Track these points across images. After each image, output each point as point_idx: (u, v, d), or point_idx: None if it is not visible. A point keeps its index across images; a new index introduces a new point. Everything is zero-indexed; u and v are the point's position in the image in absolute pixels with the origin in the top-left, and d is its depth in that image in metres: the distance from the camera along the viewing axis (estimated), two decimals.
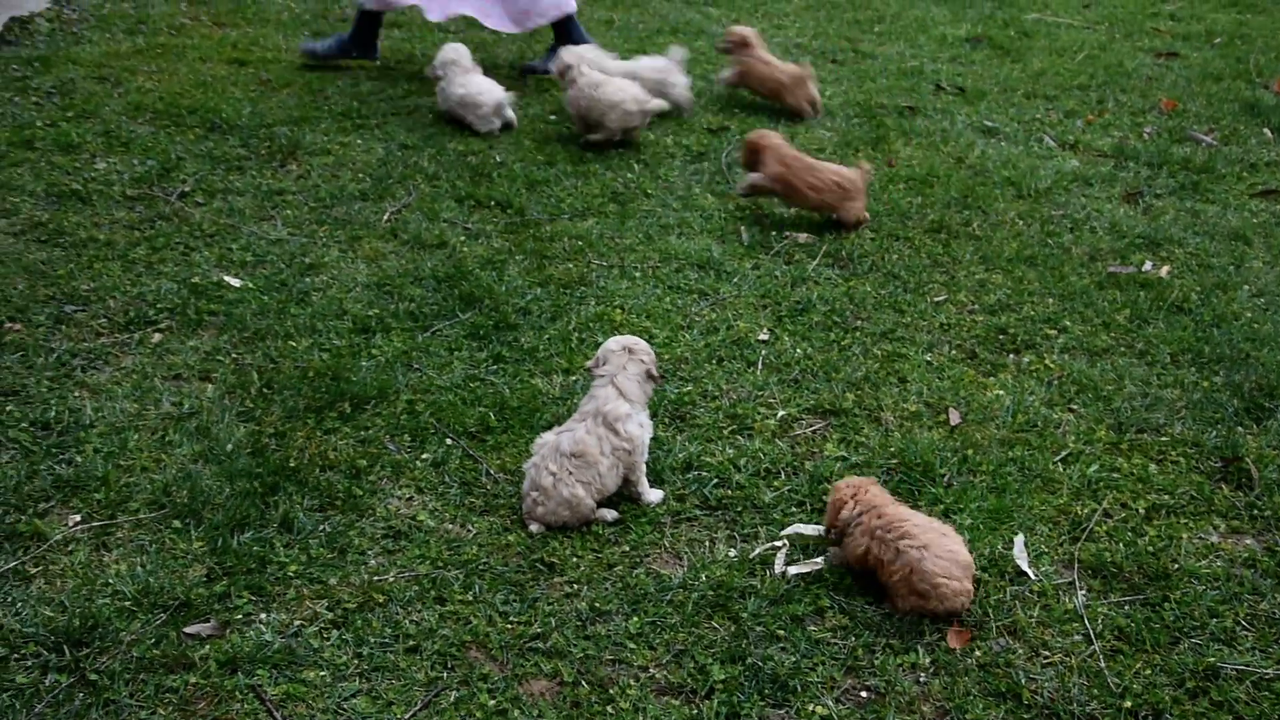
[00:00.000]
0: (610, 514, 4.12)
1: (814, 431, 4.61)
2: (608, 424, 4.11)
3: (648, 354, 4.26)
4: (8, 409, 4.58)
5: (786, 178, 6.12)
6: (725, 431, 4.57)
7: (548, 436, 4.14)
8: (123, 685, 3.40)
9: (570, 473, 4.01)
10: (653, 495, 4.24)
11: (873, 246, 6.06)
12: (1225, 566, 3.94)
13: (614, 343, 4.28)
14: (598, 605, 3.71)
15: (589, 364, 4.30)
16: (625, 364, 4.20)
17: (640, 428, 4.17)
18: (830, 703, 3.39)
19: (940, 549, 3.64)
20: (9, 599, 3.69)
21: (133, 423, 4.54)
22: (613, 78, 7.14)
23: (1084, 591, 3.83)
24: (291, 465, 4.30)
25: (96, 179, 6.56)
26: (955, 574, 3.61)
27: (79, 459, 4.32)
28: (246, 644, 3.53)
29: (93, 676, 3.43)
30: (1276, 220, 6.47)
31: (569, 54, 7.23)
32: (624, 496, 4.19)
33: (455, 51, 7.51)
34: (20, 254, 5.75)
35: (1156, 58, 9.11)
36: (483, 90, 7.35)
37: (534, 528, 4.05)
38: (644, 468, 4.21)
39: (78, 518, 4.05)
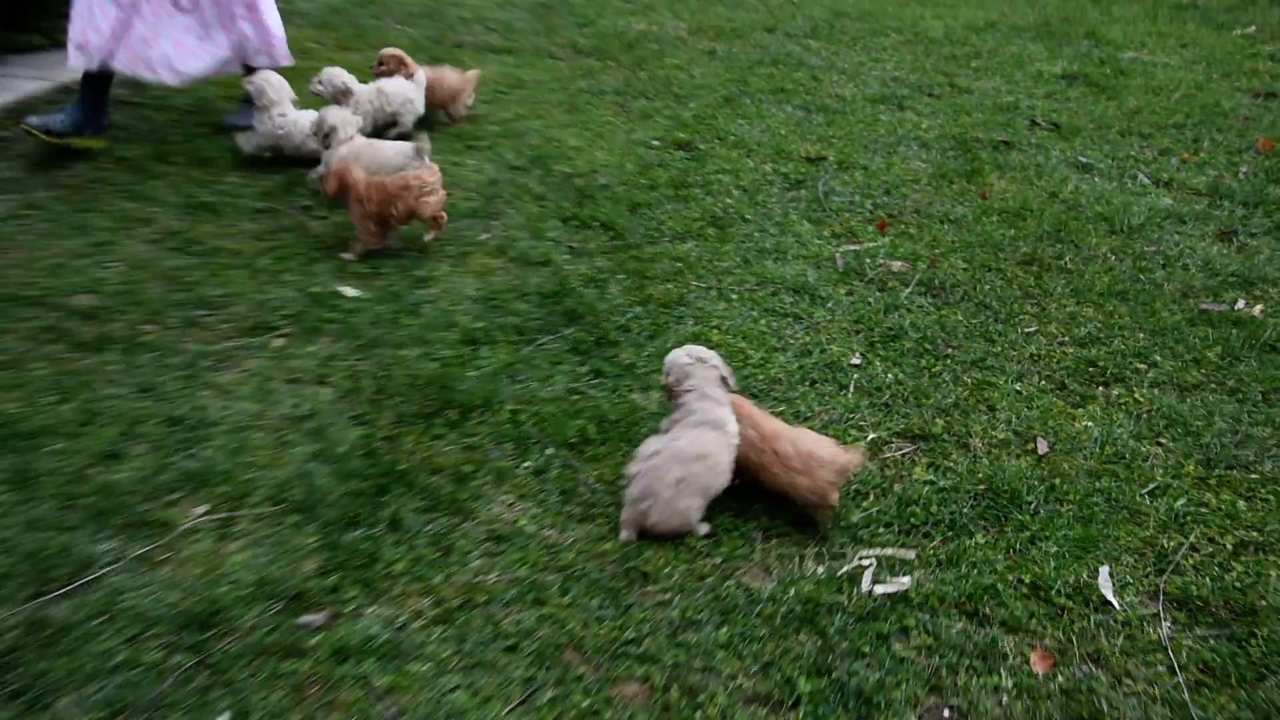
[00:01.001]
0: (705, 527, 4.14)
1: (903, 455, 4.59)
2: (717, 427, 4.14)
3: (718, 361, 4.30)
4: (142, 405, 4.72)
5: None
6: None
7: (654, 444, 4.15)
8: (242, 668, 3.48)
9: (687, 482, 4.03)
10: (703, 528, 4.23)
11: (965, 276, 6.02)
12: None
13: (683, 355, 4.30)
14: (689, 614, 3.73)
15: (666, 380, 4.32)
16: (706, 374, 4.24)
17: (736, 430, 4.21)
18: (914, 719, 3.39)
19: (809, 438, 4.09)
20: (140, 582, 3.80)
21: (255, 422, 4.65)
22: (370, 144, 6.70)
23: (1169, 623, 3.77)
24: (400, 468, 4.37)
25: (227, 192, 6.72)
26: (827, 447, 4.08)
27: (205, 454, 4.43)
28: (355, 635, 3.60)
29: (214, 659, 3.51)
30: None
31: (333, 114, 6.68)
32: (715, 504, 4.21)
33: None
34: (157, 261, 5.91)
35: (1254, 98, 8.91)
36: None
37: (626, 535, 4.07)
38: None
39: (203, 509, 4.16)
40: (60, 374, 4.92)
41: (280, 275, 5.82)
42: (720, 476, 4.11)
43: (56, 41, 9.07)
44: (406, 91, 7.60)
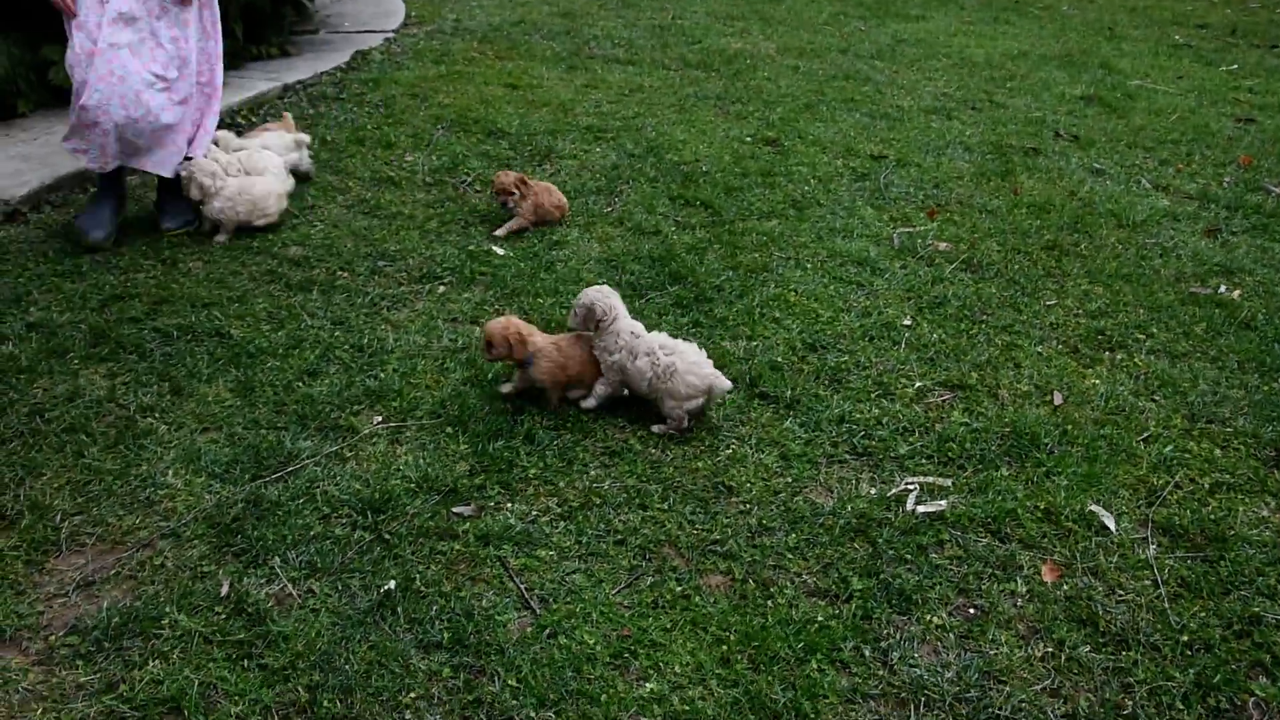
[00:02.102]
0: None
1: (943, 401, 4.45)
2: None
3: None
4: (336, 334, 4.74)
5: None
6: (873, 395, 4.44)
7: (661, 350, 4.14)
8: (407, 545, 3.50)
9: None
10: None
11: (998, 257, 5.81)
12: (1273, 536, 3.69)
13: (596, 291, 4.26)
14: (764, 522, 3.66)
15: (574, 319, 4.28)
16: (619, 304, 4.28)
17: None
18: (944, 615, 3.30)
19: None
20: (332, 473, 3.83)
21: (421, 351, 4.64)
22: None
23: (1155, 546, 3.63)
24: (535, 393, 4.33)
25: (405, 169, 6.72)
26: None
27: (382, 375, 4.43)
28: (496, 525, 3.59)
29: (386, 536, 3.53)
30: None
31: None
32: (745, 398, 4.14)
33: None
34: (350, 222, 5.93)
35: (1236, 122, 8.53)
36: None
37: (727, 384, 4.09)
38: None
39: (379, 418, 4.17)
40: (275, 308, 4.97)
41: (444, 235, 5.81)
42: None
43: (285, 52, 9.18)
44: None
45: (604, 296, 4.24)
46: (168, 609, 3.19)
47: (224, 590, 3.28)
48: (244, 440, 3.99)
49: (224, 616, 3.19)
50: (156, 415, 4.15)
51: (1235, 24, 12.62)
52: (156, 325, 4.76)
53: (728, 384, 4.12)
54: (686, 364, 4.08)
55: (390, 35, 10.11)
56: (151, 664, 3.01)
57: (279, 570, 3.37)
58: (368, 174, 6.60)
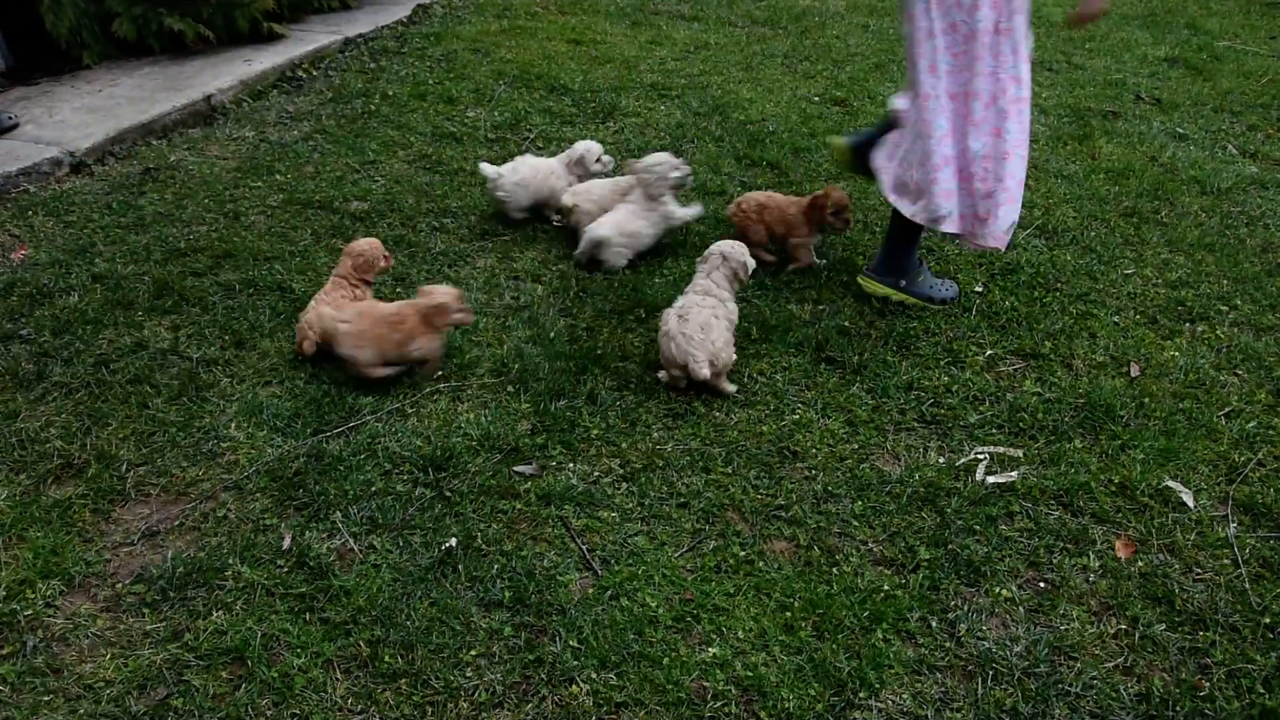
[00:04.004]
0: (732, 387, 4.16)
1: (1015, 370, 4.36)
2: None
3: (740, 260, 4.30)
4: (397, 291, 4.76)
5: None
6: (942, 362, 4.37)
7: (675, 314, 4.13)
8: (468, 503, 3.52)
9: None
10: (729, 387, 4.19)
11: (1074, 223, 5.66)
12: None
13: (715, 246, 4.34)
14: (830, 488, 3.63)
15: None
16: (719, 265, 4.27)
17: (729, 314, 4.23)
18: (1014, 588, 3.25)
19: None
20: (394, 430, 3.86)
21: (482, 309, 4.65)
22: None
23: (1235, 525, 3.54)
24: (598, 353, 4.32)
25: (467, 124, 6.70)
26: None
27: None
28: (558, 485, 3.60)
29: (447, 493, 3.56)
30: None
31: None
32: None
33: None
34: (412, 177, 5.94)
35: None
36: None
37: (703, 366, 3.96)
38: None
39: (440, 373, 4.19)
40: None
41: None
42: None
43: (346, 4, 9.19)
44: None
45: (729, 247, 4.33)
46: (231, 560, 3.25)
47: (286, 544, 3.33)
48: (305, 394, 4.03)
49: (286, 570, 3.24)
50: (219, 368, 4.20)
51: None
52: (219, 279, 4.81)
53: (700, 374, 3.93)
54: (679, 334, 4.01)
55: None
56: (215, 614, 3.07)
57: (340, 525, 3.41)
58: (429, 129, 6.60)
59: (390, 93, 7.19)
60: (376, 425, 3.87)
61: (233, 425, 3.87)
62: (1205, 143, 6.96)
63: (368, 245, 4.43)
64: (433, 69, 7.69)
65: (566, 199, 5.26)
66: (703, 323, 4.02)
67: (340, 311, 4.13)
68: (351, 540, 3.36)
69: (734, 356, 4.12)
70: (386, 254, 4.52)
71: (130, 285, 4.73)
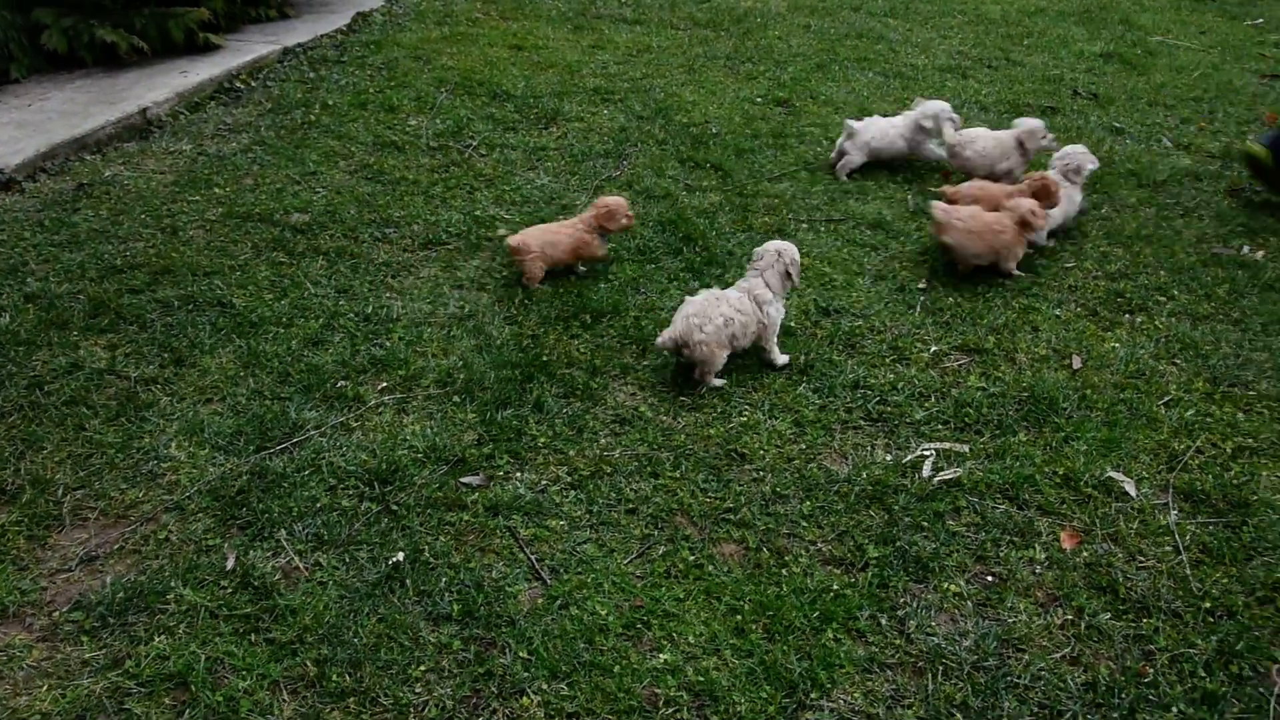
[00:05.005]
0: (719, 382, 4.21)
1: (960, 365, 4.40)
2: (758, 303, 4.20)
3: (793, 259, 4.32)
4: (341, 303, 4.71)
5: None
6: (887, 360, 4.41)
7: (702, 296, 4.21)
8: (415, 516, 3.49)
9: (731, 323, 4.12)
10: (781, 359, 4.32)
11: None
12: None
13: (770, 244, 4.35)
14: (778, 489, 3.64)
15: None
16: (774, 263, 4.28)
17: (778, 312, 4.27)
18: (962, 583, 3.28)
19: None
20: (338, 444, 3.82)
21: (427, 319, 4.62)
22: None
23: (1176, 512, 3.60)
24: (544, 360, 4.31)
25: (409, 133, 6.65)
26: None
27: (388, 344, 4.41)
28: (505, 495, 3.58)
29: (394, 507, 3.53)
30: None
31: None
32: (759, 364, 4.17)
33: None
34: (353, 188, 5.89)
35: (1260, 78, 8.39)
36: None
37: (663, 342, 4.10)
38: (775, 339, 4.28)
39: (385, 386, 4.15)
40: (278, 276, 4.94)
41: (449, 201, 5.76)
42: (738, 338, 4.17)
43: (284, 14, 9.09)
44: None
45: (766, 247, 4.36)
46: (173, 583, 3.19)
47: (229, 564, 3.28)
48: (248, 411, 3.98)
49: (230, 590, 3.19)
50: (158, 387, 4.13)
51: None
52: (157, 295, 4.74)
53: (658, 341, 4.14)
54: (685, 312, 4.13)
55: None
56: (157, 639, 3.02)
57: (285, 543, 3.37)
58: (370, 139, 6.54)
59: (330, 102, 7.12)
60: (321, 440, 3.83)
61: (173, 445, 3.80)
62: (1141, 136, 7.08)
63: (615, 201, 4.94)
64: (373, 78, 7.63)
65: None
66: (703, 310, 4.11)
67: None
68: (297, 558, 3.31)
69: (716, 356, 4.14)
70: (629, 214, 4.96)
71: (64, 304, 4.64)
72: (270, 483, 3.62)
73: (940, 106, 6.14)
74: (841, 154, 6.20)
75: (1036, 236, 5.15)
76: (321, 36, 8.60)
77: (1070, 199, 5.47)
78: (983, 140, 5.90)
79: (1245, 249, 5.47)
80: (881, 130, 6.17)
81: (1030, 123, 5.95)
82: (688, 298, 4.23)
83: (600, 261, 5.05)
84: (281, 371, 4.23)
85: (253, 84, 7.55)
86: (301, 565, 3.29)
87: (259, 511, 3.49)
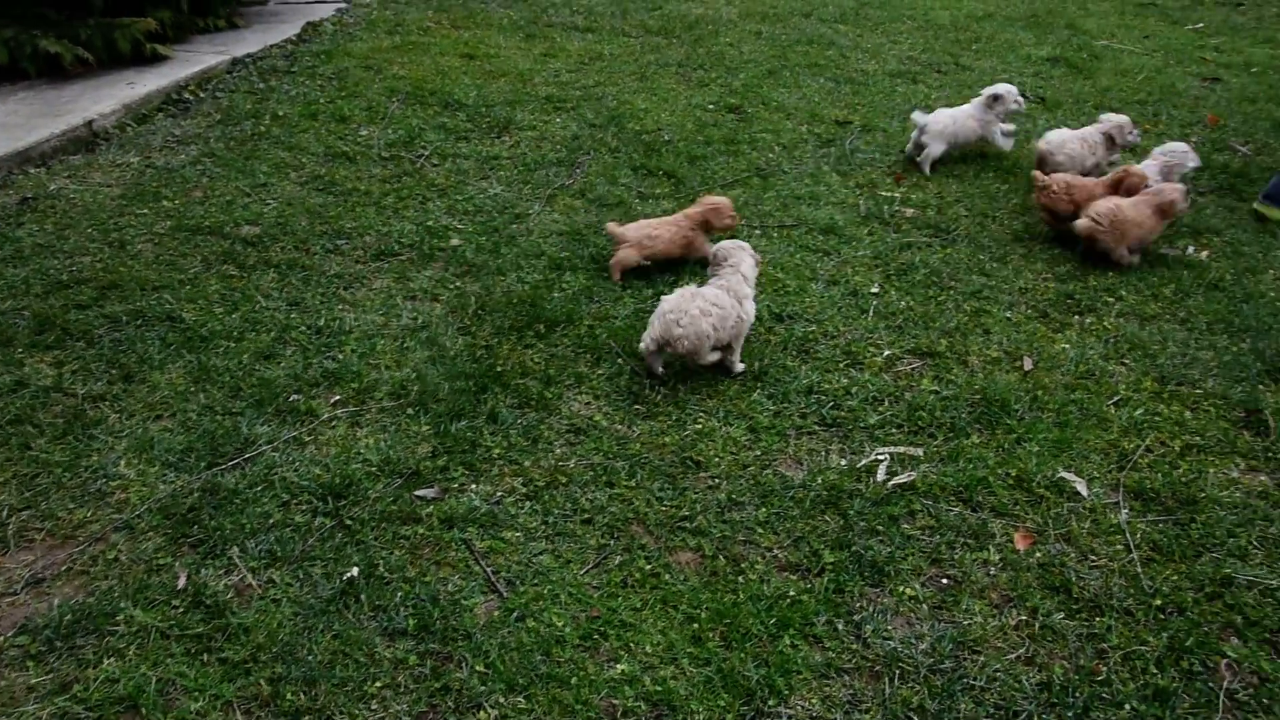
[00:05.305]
0: (715, 355, 4.25)
1: (913, 369, 4.44)
2: (737, 298, 4.22)
3: (756, 258, 4.43)
4: (292, 316, 4.67)
5: None
6: (841, 365, 4.43)
7: (676, 294, 4.24)
8: (369, 531, 3.46)
9: (708, 314, 4.12)
10: (739, 365, 4.34)
11: (967, 222, 5.79)
12: (1243, 497, 3.72)
13: (727, 244, 4.44)
14: (734, 497, 3.65)
15: (710, 267, 4.47)
16: (743, 259, 4.36)
17: (753, 308, 4.32)
18: (917, 586, 3.30)
19: None
20: (291, 459, 3.78)
21: (380, 331, 4.58)
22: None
23: (1126, 510, 3.65)
24: (498, 371, 4.29)
25: (360, 143, 6.61)
26: None
27: (340, 356, 4.38)
28: (461, 507, 3.56)
29: (348, 522, 3.49)
30: None
31: None
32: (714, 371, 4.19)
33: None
34: (304, 199, 5.84)
35: (1203, 81, 8.55)
36: None
37: (646, 345, 4.15)
38: (741, 342, 4.31)
39: (338, 399, 4.11)
40: (229, 290, 4.88)
41: (401, 211, 5.72)
42: (719, 332, 4.18)
43: (233, 24, 9.01)
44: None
45: (723, 246, 4.47)
46: (122, 604, 3.14)
47: (181, 583, 3.23)
48: (199, 427, 3.93)
49: (181, 610, 3.14)
50: (107, 404, 4.07)
51: None
52: (105, 311, 4.66)
53: (641, 345, 4.19)
54: (661, 310, 4.18)
55: (342, 5, 9.96)
56: (106, 662, 2.96)
57: (238, 560, 3.32)
58: (321, 149, 6.49)
59: (281, 113, 7.06)
60: (273, 455, 3.79)
61: (122, 463, 3.74)
62: None
63: (721, 200, 5.13)
64: (324, 88, 7.57)
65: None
66: (683, 307, 4.14)
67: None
68: (250, 575, 3.27)
69: (705, 353, 4.18)
70: (733, 214, 5.14)
71: (9, 321, 4.56)
72: (222, 499, 3.57)
73: (1007, 88, 6.48)
74: (920, 147, 6.49)
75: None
76: (271, 46, 8.52)
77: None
78: (1070, 143, 6.07)
79: (1190, 249, 5.56)
80: (954, 117, 6.48)
81: (1117, 118, 6.21)
82: (663, 297, 4.26)
83: (701, 257, 5.11)
84: (233, 386, 4.18)
85: (201, 95, 7.47)
86: (254, 582, 3.25)
87: (211, 529, 3.44)
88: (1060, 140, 6.08)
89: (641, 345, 4.17)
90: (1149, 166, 5.77)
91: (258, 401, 4.08)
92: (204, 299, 4.78)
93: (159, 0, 8.12)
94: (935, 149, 6.44)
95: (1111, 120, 6.22)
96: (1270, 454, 3.97)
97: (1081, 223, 5.27)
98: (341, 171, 6.19)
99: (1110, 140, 6.17)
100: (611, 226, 5.09)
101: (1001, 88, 6.48)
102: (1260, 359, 4.55)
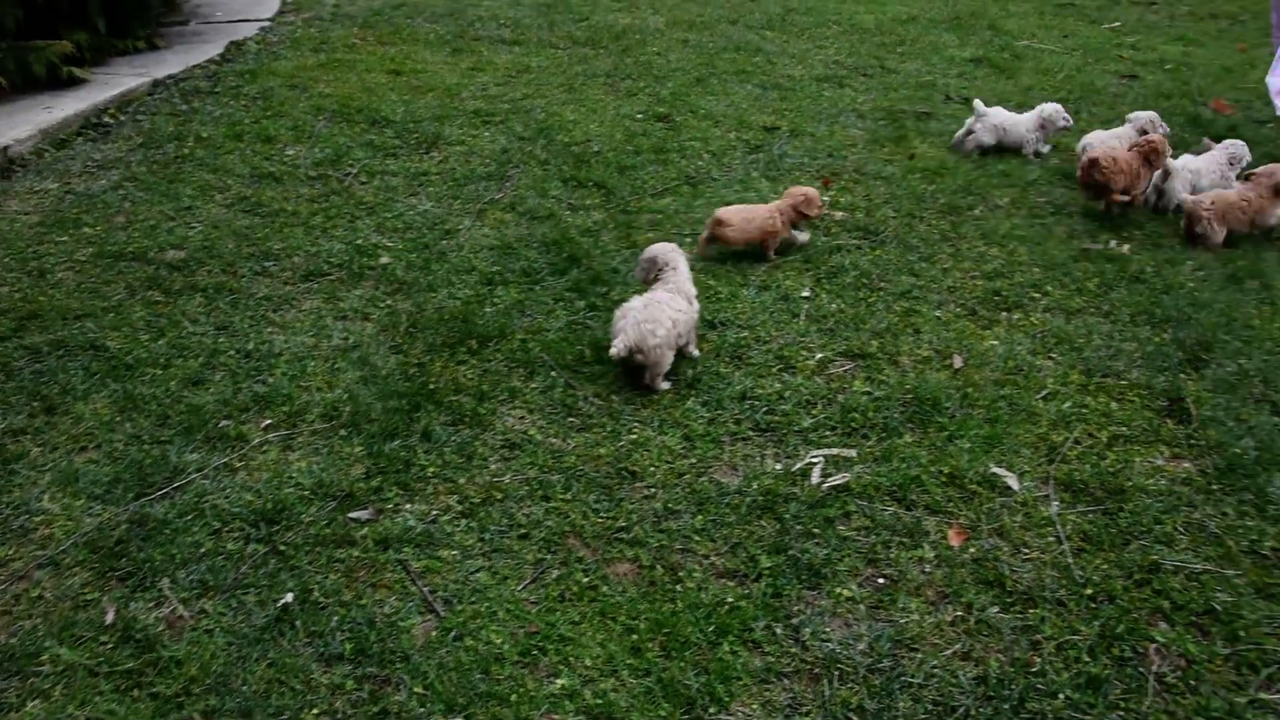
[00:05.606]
0: (666, 384, 4.30)
1: (845, 371, 4.48)
2: (687, 299, 4.36)
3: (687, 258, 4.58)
4: (220, 340, 4.60)
5: None
6: (774, 370, 4.46)
7: (638, 300, 4.30)
8: (303, 555, 3.42)
9: (677, 323, 4.23)
10: (695, 352, 4.47)
11: (895, 223, 5.86)
12: (1168, 484, 3.81)
13: (661, 247, 4.53)
14: (670, 505, 3.66)
15: (639, 272, 4.57)
16: (680, 259, 4.47)
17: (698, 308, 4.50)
18: (854, 586, 3.33)
19: None
20: (222, 486, 3.73)
21: (310, 352, 4.53)
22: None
23: (1057, 503, 3.71)
24: (431, 388, 4.26)
25: (287, 163, 6.54)
26: None
27: (271, 380, 4.32)
28: (396, 527, 3.53)
29: (281, 547, 3.45)
30: None
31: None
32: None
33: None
34: (230, 221, 5.76)
35: (1120, 79, 8.75)
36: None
37: (619, 350, 4.13)
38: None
39: (269, 423, 4.06)
40: (154, 316, 4.81)
41: (330, 231, 5.66)
42: (681, 334, 4.29)
43: (153, 45, 8.87)
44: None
45: (664, 251, 4.54)
46: (48, 643, 3.06)
47: (109, 618, 3.16)
48: (126, 457, 3.85)
49: (110, 646, 3.07)
50: (28, 437, 3.98)
51: None
52: (25, 342, 4.56)
53: (613, 350, 4.16)
54: (623, 311, 4.23)
55: (266, 24, 9.83)
56: (31, 704, 2.89)
57: (168, 592, 3.26)
58: (247, 170, 6.40)
59: (205, 135, 6.95)
60: (204, 483, 3.73)
61: (46, 497, 3.66)
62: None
63: (810, 190, 5.43)
64: (249, 108, 7.47)
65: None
66: (649, 313, 4.19)
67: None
68: (181, 607, 3.21)
69: (666, 358, 4.23)
70: (820, 204, 5.45)
71: None
72: (151, 530, 3.50)
73: (1055, 108, 6.89)
74: (970, 132, 6.90)
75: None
76: (194, 67, 8.40)
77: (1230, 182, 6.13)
78: (1109, 143, 6.34)
79: (1113, 243, 5.68)
80: (1009, 118, 6.94)
81: (1145, 115, 6.64)
82: (626, 305, 4.28)
83: (791, 245, 5.46)
84: (160, 414, 4.10)
85: (122, 118, 7.34)
86: (186, 614, 3.19)
87: (140, 561, 3.37)
88: (1098, 141, 6.41)
89: (612, 351, 4.15)
90: (1213, 158, 6.23)
91: (186, 429, 4.01)
92: (128, 326, 4.69)
93: (75, 22, 7.96)
94: (985, 138, 6.87)
95: (1139, 118, 6.65)
96: (1193, 441, 4.06)
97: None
98: (268, 192, 6.12)
99: (1144, 134, 6.46)
100: (720, 213, 5.33)
101: (1049, 109, 6.88)
102: (1181, 348, 4.66)
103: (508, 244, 5.51)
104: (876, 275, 5.27)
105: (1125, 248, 5.63)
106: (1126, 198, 5.95)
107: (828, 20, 10.48)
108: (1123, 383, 4.42)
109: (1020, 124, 6.92)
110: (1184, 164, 6.18)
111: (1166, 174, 6.12)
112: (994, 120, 6.89)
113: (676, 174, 6.49)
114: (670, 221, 5.82)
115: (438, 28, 9.74)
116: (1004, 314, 4.97)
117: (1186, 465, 3.93)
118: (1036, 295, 5.14)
